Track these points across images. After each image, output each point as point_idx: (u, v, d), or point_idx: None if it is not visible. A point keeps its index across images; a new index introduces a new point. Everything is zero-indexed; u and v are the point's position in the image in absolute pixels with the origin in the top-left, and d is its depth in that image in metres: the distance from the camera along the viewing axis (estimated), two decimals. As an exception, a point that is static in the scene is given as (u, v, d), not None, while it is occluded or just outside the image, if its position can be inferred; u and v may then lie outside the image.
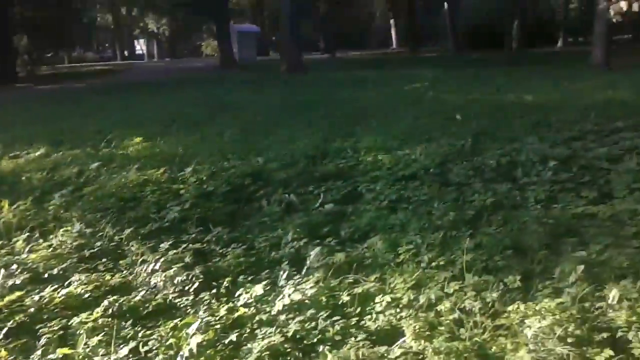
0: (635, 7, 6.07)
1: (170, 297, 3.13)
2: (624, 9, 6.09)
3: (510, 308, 2.78)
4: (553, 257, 3.39)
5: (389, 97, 11.69)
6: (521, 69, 17.24)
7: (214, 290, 3.18)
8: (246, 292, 3.07)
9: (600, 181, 4.65)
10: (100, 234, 4.14)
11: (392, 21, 49.55)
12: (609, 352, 2.36)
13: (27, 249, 3.90)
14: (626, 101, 8.31)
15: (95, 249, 3.89)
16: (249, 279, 3.33)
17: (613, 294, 2.73)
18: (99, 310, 2.92)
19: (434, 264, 3.37)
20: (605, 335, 2.52)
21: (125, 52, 45.21)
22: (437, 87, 12.91)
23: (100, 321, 2.83)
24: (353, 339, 2.60)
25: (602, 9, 15.68)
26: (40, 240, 4.10)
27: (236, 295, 3.10)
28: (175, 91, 15.81)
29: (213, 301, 3.05)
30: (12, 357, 2.64)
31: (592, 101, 8.60)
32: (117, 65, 37.81)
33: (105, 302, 3.01)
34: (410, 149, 6.13)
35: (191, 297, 3.12)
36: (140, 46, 58.66)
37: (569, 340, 2.46)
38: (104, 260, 3.71)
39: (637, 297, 2.75)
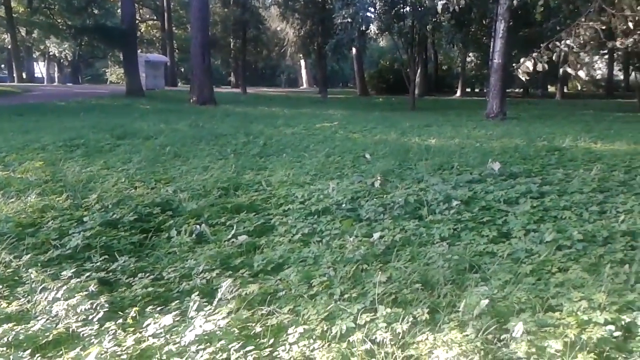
0: (539, 67, 6.63)
1: (72, 327, 2.94)
2: (530, 68, 6.64)
3: (419, 339, 2.87)
4: (458, 291, 3.55)
5: (300, 134, 11.88)
6: (423, 114, 18.17)
7: (120, 320, 3.03)
8: (154, 322, 2.95)
9: (499, 221, 4.95)
10: (-5, 260, 3.85)
11: (302, 61, 50.74)
12: (510, 381, 2.49)
13: None
14: (519, 148, 8.95)
15: (-11, 276, 3.60)
16: (158, 309, 3.21)
17: (518, 328, 2.89)
18: (-7, 340, 2.70)
19: (346, 296, 3.43)
20: (507, 365, 2.67)
21: (24, 75, 42.84)
22: (346, 127, 13.30)
23: (-6, 352, 2.61)
24: (266, 370, 2.57)
25: (496, 65, 16.97)
26: None
27: (144, 325, 2.97)
28: (78, 117, 15.14)
29: (119, 331, 2.90)
30: None
31: (490, 147, 9.20)
32: (14, 87, 35.71)
33: (0, 330, 2.78)
34: (323, 185, 6.23)
35: (96, 327, 2.95)
36: (40, 69, 55.93)
37: (474, 370, 2.58)
38: (-1, 287, 3.44)
39: (536, 330, 2.93)
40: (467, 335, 2.87)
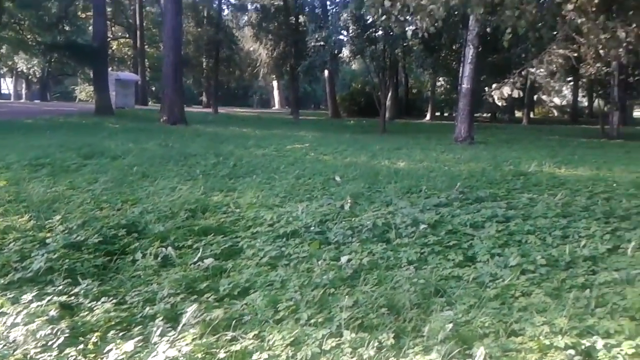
0: (515, 94, 6.79)
1: (31, 353, 2.86)
2: (506, 95, 6.79)
3: (384, 365, 2.88)
4: (423, 315, 3.57)
5: (271, 155, 11.89)
6: (394, 137, 18.38)
7: (81, 346, 2.96)
8: (116, 348, 2.90)
9: (465, 245, 5.01)
10: (-48, 283, 3.74)
11: (274, 82, 50.96)
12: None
13: None
14: (486, 173, 9.11)
15: (-56, 301, 3.49)
16: (120, 334, 3.15)
17: (480, 352, 2.92)
18: (-57, 369, 2.61)
19: (312, 320, 3.42)
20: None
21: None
22: (317, 149, 13.35)
23: (-55, 382, 2.52)
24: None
25: (465, 89, 17.32)
26: None
27: (105, 351, 2.91)
28: (45, 135, 14.88)
29: (79, 357, 2.84)
30: None
31: (458, 171, 9.34)
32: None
33: (-48, 359, 2.69)
34: (292, 207, 6.23)
35: (55, 353, 2.88)
36: (7, 85, 54.97)
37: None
38: (-47, 313, 3.33)
39: (499, 355, 2.97)
40: (432, 360, 2.88)
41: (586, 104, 45.76)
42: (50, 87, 52.25)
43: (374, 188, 7.75)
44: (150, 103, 42.16)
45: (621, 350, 2.93)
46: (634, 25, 7.10)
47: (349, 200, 6.43)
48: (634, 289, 3.79)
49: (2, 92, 52.38)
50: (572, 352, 2.95)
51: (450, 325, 3.21)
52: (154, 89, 50.59)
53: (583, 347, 3.02)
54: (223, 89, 48.12)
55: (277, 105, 51.38)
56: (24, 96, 51.53)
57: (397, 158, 11.73)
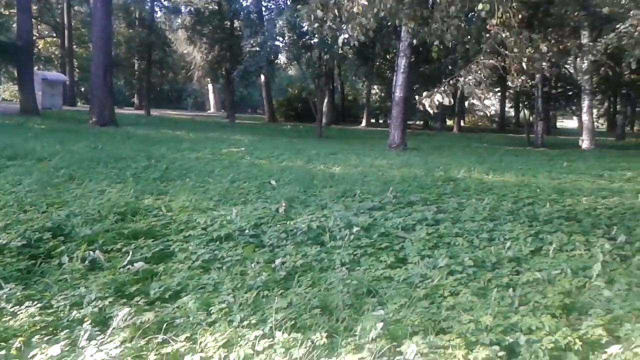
0: (446, 101, 7.02)
1: (-55, 361, 2.71)
2: (437, 103, 7.00)
3: (316, 364, 2.90)
4: (355, 315, 3.63)
5: (206, 158, 11.74)
6: (329, 143, 18.55)
7: (3, 352, 2.83)
8: (41, 353, 2.78)
9: (397, 247, 5.13)
10: None
11: (209, 85, 50.32)
12: (402, 401, 2.56)
13: None
14: (417, 178, 9.36)
15: None
16: (45, 339, 3.02)
17: (411, 349, 2.99)
18: None
19: (245, 322, 3.40)
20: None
21: None
22: (253, 153, 13.30)
23: None
24: (160, 400, 2.49)
25: (398, 97, 17.74)
26: None
27: (29, 356, 2.79)
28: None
29: (1, 364, 2.71)
30: None
31: (391, 176, 9.55)
32: None
33: None
34: (226, 210, 6.18)
35: (-26, 361, 2.74)
36: None
37: (368, 392, 2.64)
38: None
39: (428, 352, 3.05)
40: (363, 358, 2.93)
41: (513, 113, 47.88)
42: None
43: (310, 192, 7.80)
44: (79, 104, 40.64)
45: (542, 345, 3.09)
46: (553, 40, 7.51)
47: (284, 204, 6.45)
48: (554, 288, 4.00)
49: None
50: (496, 347, 3.07)
51: (382, 324, 3.27)
52: (83, 89, 48.80)
53: (507, 343, 3.16)
54: (156, 91, 47.01)
55: (212, 109, 50.74)
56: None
57: (332, 163, 11.85)
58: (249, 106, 54.56)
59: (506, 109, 45.36)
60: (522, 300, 3.84)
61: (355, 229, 5.52)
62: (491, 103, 49.94)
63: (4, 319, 3.30)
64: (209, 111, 49.81)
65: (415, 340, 3.16)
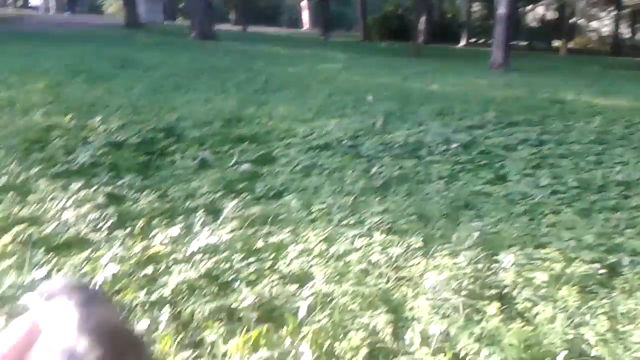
0: (549, 15, 6.60)
1: (82, 232, 3.06)
2: (539, 14, 6.60)
3: (412, 263, 3.02)
4: (451, 225, 3.68)
5: (303, 73, 11.82)
6: (427, 61, 17.99)
7: (128, 230, 3.15)
8: (161, 233, 3.08)
9: (496, 165, 5.06)
10: (6, 169, 3.93)
11: (303, 3, 49.60)
12: (496, 304, 2.63)
13: None
14: (521, 99, 8.98)
15: (1, 183, 3.70)
16: (164, 222, 3.33)
17: (508, 258, 3.03)
18: (8, 238, 2.82)
19: (344, 222, 3.55)
20: (494, 291, 2.82)
21: (19, 3, 41.51)
22: (348, 70, 13.20)
23: (9, 248, 2.73)
24: (267, 279, 2.71)
25: (502, 15, 16.73)
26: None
27: (150, 235, 3.10)
28: (78, 45, 14.92)
29: (127, 239, 3.03)
30: None
31: (492, 96, 9.21)
32: (8, 15, 34.82)
33: (15, 230, 2.90)
34: (324, 122, 6.29)
35: (104, 234, 3.08)
36: (35, -2, 54.40)
37: (463, 292, 2.72)
38: (10, 194, 3.54)
39: (524, 263, 3.07)
40: (457, 263, 3.01)
41: (628, 35, 43.84)
42: (79, 0, 51.68)
43: (406, 109, 7.73)
44: (178, 19, 41.61)
45: (647, 267, 3.01)
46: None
47: (381, 118, 6.46)
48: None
49: (32, 4, 51.95)
50: (597, 265, 3.04)
51: (478, 234, 3.31)
52: (181, 5, 49.74)
53: (609, 262, 3.10)
54: (252, 8, 47.06)
55: (306, 27, 50.26)
56: (53, 9, 51.16)
57: (430, 81, 11.56)
58: (343, 25, 53.48)
59: (621, 29, 41.57)
60: (629, 223, 3.72)
61: (453, 145, 5.47)
62: (604, 23, 45.86)
63: (127, 204, 3.64)
64: (303, 29, 49.42)
65: (513, 251, 3.18)
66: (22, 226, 2.95)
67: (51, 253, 2.74)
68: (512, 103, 8.42)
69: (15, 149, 4.43)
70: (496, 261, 3.12)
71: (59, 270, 2.56)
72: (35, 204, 3.39)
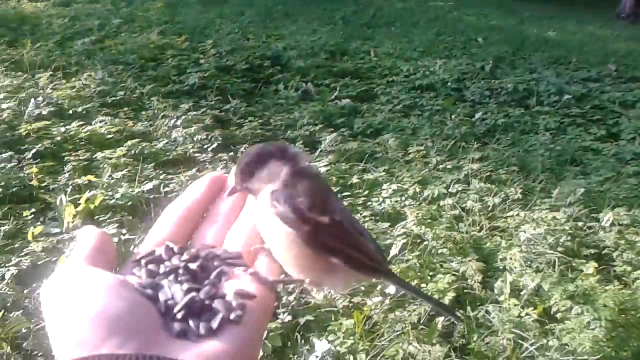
0: None
1: (190, 151, 3.25)
2: None
3: (508, 214, 2.96)
4: (554, 180, 3.54)
5: (411, 9, 11.43)
6: (545, 6, 16.80)
7: (231, 153, 3.30)
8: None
9: (610, 122, 4.75)
10: (123, 84, 4.19)
11: None
12: (593, 264, 2.55)
13: (50, 86, 3.96)
14: (647, 54, 8.24)
15: (118, 98, 3.97)
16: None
17: (607, 217, 2.90)
18: (122, 150, 3.05)
19: (441, 166, 3.52)
20: (592, 251, 2.73)
21: None
22: (460, 9, 12.61)
23: (123, 159, 2.96)
24: (359, 214, 2.77)
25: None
26: (63, 81, 4.15)
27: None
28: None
29: (230, 162, 3.18)
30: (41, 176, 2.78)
31: (615, 48, 8.54)
32: None
33: (129, 143, 3.12)
34: (430, 62, 6.12)
35: (210, 155, 3.25)
36: None
37: (559, 249, 2.66)
38: (125, 109, 3.79)
39: (628, 224, 2.93)
40: (557, 219, 2.91)
41: None
42: None
43: (519, 54, 7.33)
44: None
45: None
46: None
47: (490, 62, 6.19)
48: None
49: None
50: None
51: (582, 190, 3.18)
52: None
53: None
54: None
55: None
56: None
57: (547, 27, 10.84)
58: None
59: None
60: None
61: (566, 96, 5.17)
62: None
63: (231, 129, 3.79)
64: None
65: (617, 212, 3.04)
66: (135, 140, 3.17)
67: (159, 169, 2.93)
68: (636, 57, 7.75)
69: (132, 65, 4.68)
70: (598, 220, 3.00)
71: (165, 186, 2.75)
72: (147, 121, 3.61)
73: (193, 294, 0.47)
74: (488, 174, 3.47)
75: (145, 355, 0.40)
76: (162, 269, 0.50)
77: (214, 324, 0.44)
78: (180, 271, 0.49)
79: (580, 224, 2.93)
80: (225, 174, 0.61)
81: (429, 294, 2.16)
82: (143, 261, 0.51)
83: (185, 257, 0.51)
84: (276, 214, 0.54)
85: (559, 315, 2.13)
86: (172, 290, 0.47)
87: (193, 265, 0.50)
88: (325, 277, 0.57)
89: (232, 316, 0.45)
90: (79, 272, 0.46)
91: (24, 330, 2.03)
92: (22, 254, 2.34)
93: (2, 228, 2.49)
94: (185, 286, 0.48)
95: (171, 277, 0.49)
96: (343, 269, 0.57)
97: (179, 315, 0.45)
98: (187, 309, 0.45)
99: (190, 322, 0.44)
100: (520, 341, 2.06)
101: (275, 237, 0.55)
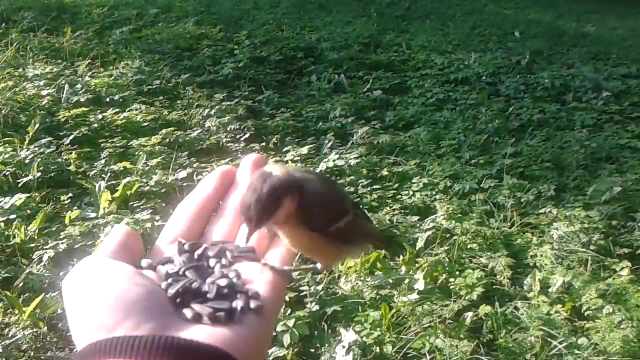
0: None
1: (223, 141, 3.29)
2: None
3: (541, 211, 2.93)
4: (589, 177, 3.48)
5: (447, 2, 11.28)
6: (587, 1, 16.41)
7: (263, 144, 3.34)
8: (293, 150, 3.23)
9: (649, 121, 4.63)
10: (158, 74, 4.27)
11: None
12: (627, 264, 2.50)
13: (88, 74, 4.06)
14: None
15: (154, 86, 4.04)
16: (296, 140, 3.48)
17: (642, 217, 2.85)
18: (158, 137, 3.11)
19: (473, 161, 3.49)
20: (626, 250, 2.68)
21: None
22: (497, 2, 12.41)
23: (157, 147, 3.02)
24: (389, 207, 2.77)
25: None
26: (101, 69, 4.25)
27: (283, 150, 3.26)
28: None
29: (262, 152, 3.21)
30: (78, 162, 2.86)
31: (658, 44, 8.29)
32: None
33: (164, 131, 3.18)
34: (464, 55, 6.05)
35: (242, 145, 3.29)
36: None
37: (592, 247, 2.62)
38: (161, 97, 3.86)
39: (665, 224, 2.87)
40: (590, 217, 2.87)
41: None
42: None
43: (556, 49, 7.19)
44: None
45: None
46: None
47: (527, 56, 6.09)
48: None
49: None
50: None
51: (618, 189, 3.11)
52: None
53: None
54: None
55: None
56: None
57: (586, 21, 10.59)
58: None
59: None
60: None
61: (604, 93, 5.06)
62: None
63: (263, 119, 3.83)
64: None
65: (654, 213, 2.97)
66: (169, 129, 3.22)
67: (193, 157, 2.98)
68: (680, 54, 7.52)
69: (168, 55, 4.76)
70: (633, 219, 2.94)
71: (198, 174, 2.80)
72: (182, 110, 3.67)
73: (208, 284, 0.48)
74: (521, 170, 3.43)
75: (161, 337, 0.41)
76: (175, 267, 0.51)
77: (232, 312, 0.45)
78: (194, 267, 0.51)
79: (614, 222, 2.88)
80: (234, 166, 0.62)
81: (457, 288, 2.16)
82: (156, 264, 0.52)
83: (198, 253, 0.52)
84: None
85: (588, 314, 2.11)
86: (186, 283, 0.48)
87: (206, 261, 0.52)
88: (337, 259, 0.63)
89: (252, 305, 0.46)
90: (100, 263, 0.48)
91: (59, 311, 2.09)
92: (60, 237, 2.42)
93: (40, 212, 2.57)
94: (199, 280, 0.49)
95: (186, 272, 0.50)
96: (354, 250, 0.67)
97: (193, 304, 0.46)
98: (203, 298, 0.47)
99: (207, 308, 0.45)
100: (549, 339, 2.05)
101: (296, 240, 0.58)
